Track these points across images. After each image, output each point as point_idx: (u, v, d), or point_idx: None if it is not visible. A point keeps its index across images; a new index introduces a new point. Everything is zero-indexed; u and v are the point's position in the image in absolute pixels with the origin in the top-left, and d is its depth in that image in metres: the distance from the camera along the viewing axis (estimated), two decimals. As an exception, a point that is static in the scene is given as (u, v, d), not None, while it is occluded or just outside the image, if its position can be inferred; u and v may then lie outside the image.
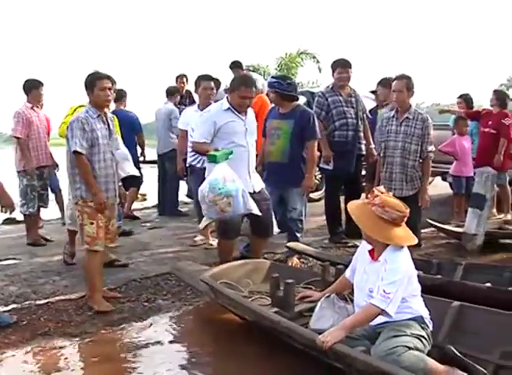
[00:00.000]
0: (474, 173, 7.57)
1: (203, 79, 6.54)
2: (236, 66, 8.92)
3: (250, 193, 4.92)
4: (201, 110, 6.32)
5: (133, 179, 6.43)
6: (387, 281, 3.19)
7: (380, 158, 6.09)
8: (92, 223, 4.67)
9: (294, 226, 5.95)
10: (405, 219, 3.35)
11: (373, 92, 8.22)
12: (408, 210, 3.37)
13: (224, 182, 4.69)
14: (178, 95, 8.93)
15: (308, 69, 21.31)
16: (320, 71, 22.79)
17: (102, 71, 4.87)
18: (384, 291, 3.16)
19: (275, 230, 5.48)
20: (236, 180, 4.78)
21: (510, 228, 6.95)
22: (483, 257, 6.16)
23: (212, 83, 6.56)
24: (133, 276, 5.55)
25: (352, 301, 3.76)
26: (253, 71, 21.11)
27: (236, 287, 4.33)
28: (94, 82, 4.68)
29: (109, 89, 4.74)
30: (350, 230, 6.65)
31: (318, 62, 22.87)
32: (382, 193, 3.37)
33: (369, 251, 3.46)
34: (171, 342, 4.22)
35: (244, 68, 9.58)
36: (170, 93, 8.73)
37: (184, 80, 9.40)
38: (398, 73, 5.92)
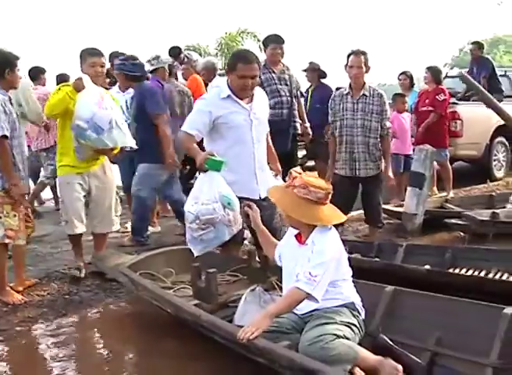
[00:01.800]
0: (413, 151, 7.45)
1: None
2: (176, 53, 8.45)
3: (256, 200, 3.98)
4: (122, 91, 6.17)
5: None
6: (313, 263, 2.95)
7: (334, 137, 5.81)
8: (15, 215, 4.38)
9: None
10: (329, 196, 3.11)
11: (305, 70, 8.01)
12: (331, 187, 3.13)
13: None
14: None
15: (249, 49, 20.92)
16: (261, 50, 22.33)
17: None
18: (310, 273, 2.91)
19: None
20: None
21: (451, 207, 6.81)
22: (424, 237, 6.00)
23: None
24: (56, 267, 5.22)
25: (281, 289, 3.51)
26: (193, 50, 20.69)
27: (158, 278, 4.02)
28: (15, 61, 4.47)
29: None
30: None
31: (258, 41, 22.47)
32: (299, 173, 3.12)
33: (295, 236, 3.20)
34: (92, 339, 3.98)
35: (183, 48, 9.14)
36: None
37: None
38: (346, 50, 5.63)
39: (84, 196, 4.87)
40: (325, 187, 3.09)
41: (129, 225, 6.34)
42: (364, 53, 5.48)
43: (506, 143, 9.50)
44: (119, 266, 4.04)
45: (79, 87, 4.54)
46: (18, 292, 4.53)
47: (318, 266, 2.94)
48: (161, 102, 5.79)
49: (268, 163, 4.33)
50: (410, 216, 6.19)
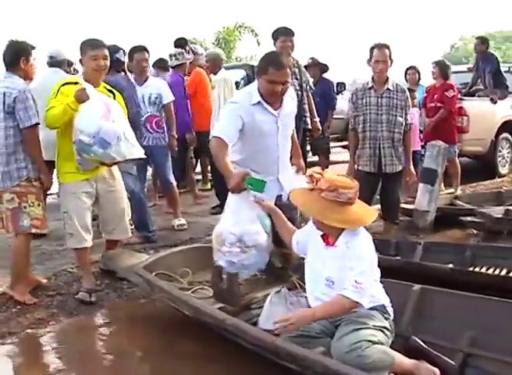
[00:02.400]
0: (422, 147, 7.34)
1: (136, 50, 6.04)
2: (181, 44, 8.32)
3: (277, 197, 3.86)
4: (140, 85, 5.96)
5: None
6: (357, 271, 2.83)
7: (356, 132, 5.63)
8: (39, 204, 4.30)
9: None
10: (357, 194, 2.98)
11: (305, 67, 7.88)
12: (357, 184, 3.00)
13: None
14: None
15: (247, 43, 20.76)
16: (259, 44, 22.32)
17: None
18: (356, 281, 2.81)
19: None
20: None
21: (461, 204, 6.71)
22: (436, 234, 5.89)
23: (146, 54, 6.05)
24: (64, 265, 5.04)
25: (302, 288, 3.41)
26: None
27: (174, 278, 3.88)
28: (31, 50, 4.34)
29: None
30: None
31: (256, 35, 22.39)
32: (321, 174, 2.97)
33: (322, 236, 3.06)
34: (104, 340, 3.82)
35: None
36: None
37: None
38: (376, 43, 5.43)
39: (92, 204, 4.45)
40: (353, 185, 2.97)
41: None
42: (387, 46, 5.35)
43: (511, 139, 9.40)
44: (134, 266, 3.88)
45: (81, 98, 4.01)
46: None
47: (362, 274, 2.84)
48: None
49: (291, 158, 4.16)
50: (421, 213, 6.07)
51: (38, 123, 4.15)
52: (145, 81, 6.04)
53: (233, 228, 3.34)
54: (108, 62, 4.35)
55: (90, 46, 4.25)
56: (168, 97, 6.15)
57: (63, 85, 4.26)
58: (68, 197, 4.31)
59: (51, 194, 5.56)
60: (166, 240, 5.75)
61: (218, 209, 6.83)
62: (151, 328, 3.92)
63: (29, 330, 3.92)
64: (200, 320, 3.37)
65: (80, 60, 4.33)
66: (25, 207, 4.19)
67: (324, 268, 3.00)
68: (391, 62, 5.40)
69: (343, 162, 11.06)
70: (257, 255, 3.40)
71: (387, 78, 5.41)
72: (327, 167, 8.87)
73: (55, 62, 6.16)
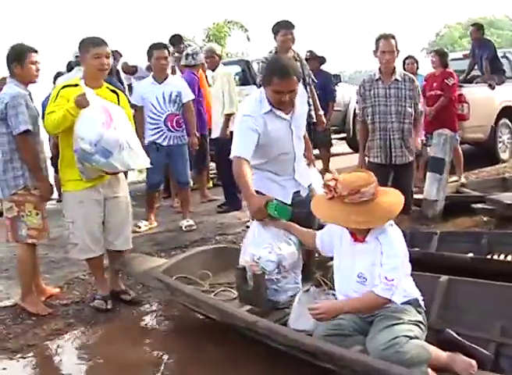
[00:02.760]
0: (425, 136, 7.30)
1: (155, 48, 5.99)
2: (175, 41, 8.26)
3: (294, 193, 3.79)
4: (159, 83, 5.93)
5: None
6: (388, 267, 2.78)
7: (365, 124, 5.63)
8: (38, 214, 4.16)
9: None
10: (377, 185, 2.93)
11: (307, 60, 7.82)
12: (373, 175, 2.93)
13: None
14: None
15: (236, 39, 20.62)
16: (249, 40, 22.24)
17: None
18: (386, 278, 2.76)
19: None
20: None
21: (468, 191, 6.68)
22: (446, 223, 5.86)
23: (166, 52, 6.03)
24: (76, 273, 4.94)
25: (327, 285, 3.33)
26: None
27: (195, 281, 3.81)
28: (25, 54, 4.13)
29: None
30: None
31: (246, 30, 22.30)
32: (335, 179, 2.89)
33: (351, 233, 2.99)
34: (125, 349, 3.70)
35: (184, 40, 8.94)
36: None
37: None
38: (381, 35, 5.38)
39: (102, 214, 4.18)
40: (372, 179, 2.89)
41: (142, 224, 6.16)
42: (393, 36, 5.32)
43: (511, 125, 9.39)
44: (152, 270, 3.81)
45: (81, 104, 3.82)
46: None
47: (393, 270, 2.79)
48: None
49: None
50: (431, 203, 6.04)
51: (29, 130, 4.00)
52: (165, 79, 5.99)
53: (270, 255, 3.30)
54: (111, 61, 4.21)
55: (92, 44, 4.04)
56: (189, 95, 6.12)
57: (63, 88, 4.08)
58: (74, 206, 4.09)
59: (51, 199, 5.45)
60: (176, 241, 5.70)
61: (225, 208, 6.81)
62: (173, 335, 3.88)
63: (47, 342, 3.84)
64: (227, 324, 3.30)
65: (78, 60, 4.22)
66: (23, 216, 4.10)
67: (354, 264, 2.94)
68: (397, 53, 5.35)
69: (342, 154, 11.08)
70: (295, 276, 3.42)
71: (394, 68, 5.38)
72: (328, 160, 8.85)
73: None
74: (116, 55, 7.87)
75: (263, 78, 3.62)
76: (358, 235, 2.95)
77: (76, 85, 4.04)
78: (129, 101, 6.08)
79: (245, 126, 3.53)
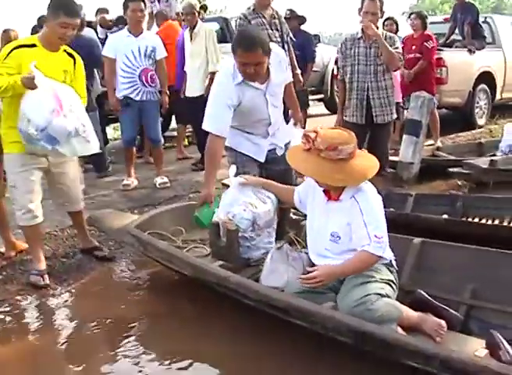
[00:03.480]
0: (402, 98, 7.27)
1: (131, 0, 5.82)
2: None
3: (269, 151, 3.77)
4: (135, 36, 5.77)
5: None
6: (374, 225, 2.77)
7: (344, 83, 5.60)
8: None
9: None
10: (356, 146, 2.89)
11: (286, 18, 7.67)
12: (354, 134, 2.89)
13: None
14: None
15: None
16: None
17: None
18: (376, 236, 2.75)
19: None
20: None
21: (444, 155, 6.70)
22: (421, 186, 5.89)
23: (142, 4, 5.83)
24: (47, 229, 4.80)
25: (300, 244, 3.38)
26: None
27: (167, 237, 3.78)
28: None
29: None
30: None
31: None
32: (316, 132, 2.82)
33: (324, 191, 2.97)
34: (99, 306, 3.67)
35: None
36: None
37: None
38: None
39: (42, 177, 3.97)
40: (352, 139, 2.84)
41: (129, 181, 6.09)
42: None
43: (488, 90, 9.39)
44: (126, 226, 3.76)
45: (29, 86, 3.56)
46: (10, 258, 4.27)
47: (379, 227, 2.79)
48: None
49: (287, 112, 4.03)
50: (406, 165, 6.05)
51: None
52: (140, 33, 5.85)
53: (244, 213, 3.29)
54: (75, 32, 3.86)
55: (64, 11, 3.66)
56: (163, 52, 5.99)
57: (16, 48, 3.70)
58: (16, 169, 3.82)
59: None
60: (150, 199, 5.62)
61: (200, 166, 6.73)
62: (146, 291, 3.85)
63: (18, 297, 3.79)
64: (200, 280, 3.28)
65: (42, 18, 3.97)
66: None
67: (327, 223, 2.92)
68: (382, 14, 5.29)
69: (319, 115, 11.01)
70: (269, 235, 3.41)
71: (377, 28, 5.30)
72: (305, 121, 8.77)
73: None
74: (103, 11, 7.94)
75: (231, 48, 3.46)
76: (332, 193, 2.92)
77: (34, 45, 3.75)
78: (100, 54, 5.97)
79: (220, 102, 3.48)
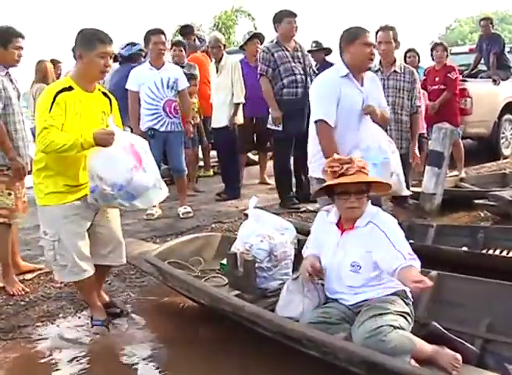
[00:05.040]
0: (426, 129, 7.28)
1: (152, 33, 5.97)
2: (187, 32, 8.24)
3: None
4: (157, 69, 5.88)
5: None
6: (402, 244, 2.89)
7: None
8: (10, 194, 4.14)
9: None
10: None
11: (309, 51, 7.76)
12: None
13: None
14: None
15: (244, 28, 20.45)
16: (256, 29, 22.07)
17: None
18: (409, 253, 2.83)
19: None
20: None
21: (468, 186, 6.67)
22: (444, 217, 5.88)
23: (163, 37, 5.97)
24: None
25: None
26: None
27: (186, 267, 3.84)
28: (11, 39, 4.10)
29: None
30: (301, 193, 6.33)
31: (253, 19, 22.20)
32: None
33: (337, 225, 3.04)
34: (117, 334, 3.70)
35: (177, 28, 8.95)
36: None
37: None
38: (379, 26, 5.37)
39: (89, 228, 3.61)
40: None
41: (153, 211, 6.16)
42: (392, 28, 5.30)
43: (514, 120, 9.36)
44: (145, 254, 3.83)
45: (105, 144, 3.31)
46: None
47: (407, 246, 2.89)
48: None
49: None
50: (428, 196, 6.03)
51: None
52: (162, 65, 5.96)
53: (261, 244, 3.39)
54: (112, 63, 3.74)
55: (99, 40, 3.40)
56: (185, 83, 6.09)
57: (58, 93, 3.35)
58: (58, 222, 3.47)
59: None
60: (173, 228, 5.70)
61: (224, 196, 6.82)
62: (165, 319, 3.90)
63: (39, 324, 3.85)
64: (216, 308, 3.32)
65: (76, 56, 3.50)
66: None
67: (346, 255, 2.97)
68: (397, 44, 5.34)
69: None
70: (286, 265, 3.48)
71: (394, 60, 5.36)
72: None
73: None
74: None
75: (346, 37, 3.74)
76: (346, 225, 2.99)
77: (71, 88, 3.42)
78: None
79: (322, 93, 3.73)
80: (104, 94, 3.66)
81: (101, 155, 3.31)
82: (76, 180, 3.47)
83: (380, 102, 3.89)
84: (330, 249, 3.06)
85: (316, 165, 3.72)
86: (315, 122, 3.71)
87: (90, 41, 3.41)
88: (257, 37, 7.37)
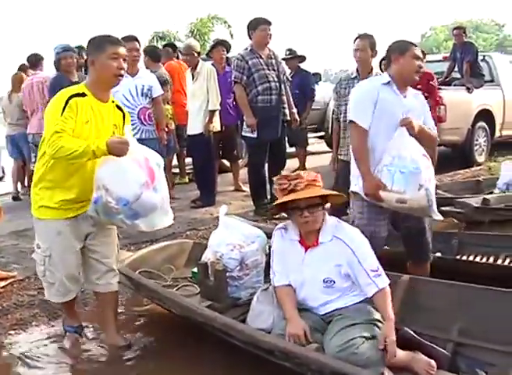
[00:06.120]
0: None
1: (126, 40, 5.87)
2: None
3: None
4: (132, 76, 5.76)
5: None
6: (365, 257, 2.90)
7: (339, 122, 5.59)
8: None
9: None
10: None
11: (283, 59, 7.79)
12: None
13: None
14: None
15: (220, 35, 20.36)
16: (232, 36, 22.07)
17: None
18: (371, 270, 2.86)
19: None
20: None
21: (441, 193, 6.69)
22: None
23: (137, 44, 5.89)
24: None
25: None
26: (162, 37, 20.41)
27: (158, 276, 3.80)
28: None
29: None
30: (276, 200, 6.25)
31: (229, 26, 22.18)
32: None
33: (299, 242, 3.04)
34: (89, 342, 3.67)
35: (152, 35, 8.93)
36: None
37: None
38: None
39: (81, 247, 3.41)
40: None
41: None
42: (369, 37, 5.29)
43: (487, 128, 9.47)
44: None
45: (120, 154, 3.09)
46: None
47: (369, 257, 2.91)
48: None
49: None
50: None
51: None
52: (137, 72, 5.90)
53: (232, 253, 3.36)
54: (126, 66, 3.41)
55: (109, 41, 3.24)
56: (159, 90, 6.04)
57: (71, 97, 3.15)
58: (50, 238, 3.30)
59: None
60: (147, 236, 5.60)
61: (199, 203, 6.78)
62: (138, 328, 3.84)
63: (11, 332, 3.82)
64: (189, 318, 3.29)
65: (86, 63, 3.36)
66: None
67: (316, 272, 2.97)
68: (375, 53, 5.34)
69: (320, 152, 11.08)
70: (258, 274, 3.45)
71: (371, 68, 5.36)
72: (304, 158, 8.86)
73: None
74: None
75: (397, 50, 3.68)
76: (307, 241, 3.00)
77: (84, 94, 3.22)
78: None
79: (359, 96, 3.67)
80: (118, 107, 3.47)
81: (111, 164, 3.09)
82: (76, 194, 3.24)
83: (426, 121, 3.73)
84: (294, 267, 3.04)
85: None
86: (349, 122, 3.69)
87: (100, 44, 3.25)
88: (221, 44, 7.43)
